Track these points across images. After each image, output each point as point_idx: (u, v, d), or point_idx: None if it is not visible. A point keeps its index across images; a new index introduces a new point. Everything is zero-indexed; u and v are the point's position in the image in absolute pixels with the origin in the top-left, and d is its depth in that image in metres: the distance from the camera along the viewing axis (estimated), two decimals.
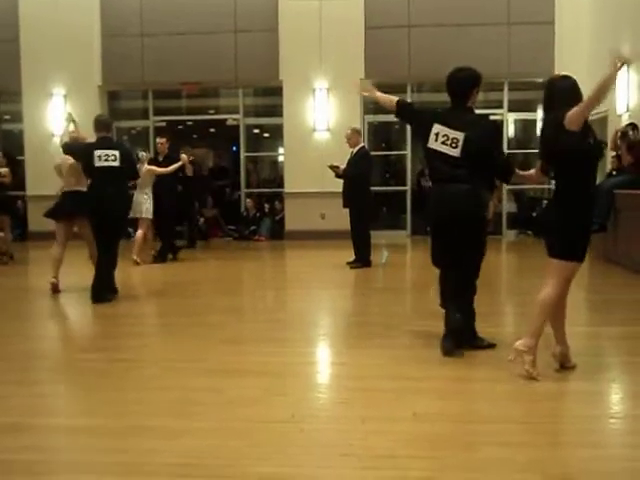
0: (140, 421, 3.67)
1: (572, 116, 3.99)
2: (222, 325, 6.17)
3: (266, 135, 16.67)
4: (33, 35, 14.02)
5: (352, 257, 9.72)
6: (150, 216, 10.23)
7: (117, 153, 7.26)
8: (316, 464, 3.15)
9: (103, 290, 7.20)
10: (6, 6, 14.15)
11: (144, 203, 10.10)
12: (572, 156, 4.08)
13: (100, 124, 7.51)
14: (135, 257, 9.97)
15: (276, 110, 14.37)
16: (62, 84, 14.20)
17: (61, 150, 8.05)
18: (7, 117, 15.79)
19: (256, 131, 16.07)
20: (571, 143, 4.02)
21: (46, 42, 13.90)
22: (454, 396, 4.02)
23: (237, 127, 14.75)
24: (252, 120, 15.19)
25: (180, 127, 15.26)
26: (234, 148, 15.63)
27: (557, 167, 4.25)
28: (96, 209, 7.18)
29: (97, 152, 7.21)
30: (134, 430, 3.55)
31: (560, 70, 13.14)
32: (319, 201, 13.25)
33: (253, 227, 14.33)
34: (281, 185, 14.45)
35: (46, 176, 13.35)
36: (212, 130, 16.68)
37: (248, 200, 14.65)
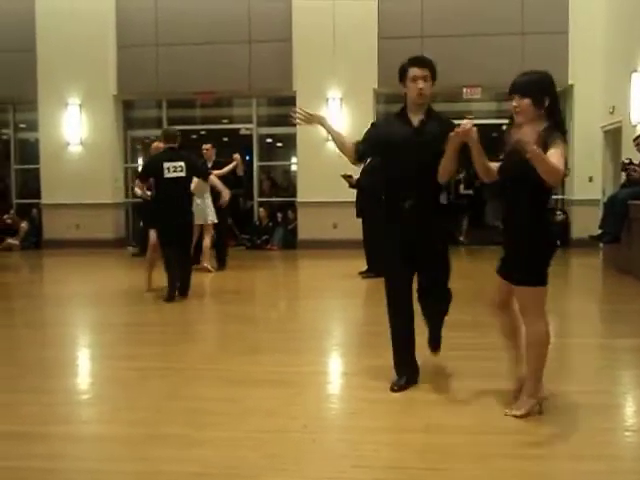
0: (155, 430, 3.69)
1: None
2: (237, 334, 6.19)
3: (279, 144, 16.71)
4: (49, 45, 14.16)
5: (364, 267, 9.72)
6: (215, 220, 10.29)
7: (183, 164, 7.98)
8: (328, 475, 3.15)
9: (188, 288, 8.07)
10: (23, 17, 14.29)
11: (209, 209, 10.15)
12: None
13: (169, 136, 8.22)
14: (207, 265, 10.19)
15: (289, 120, 14.37)
16: (77, 93, 14.32)
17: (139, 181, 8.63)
18: (23, 126, 15.92)
19: (269, 140, 16.12)
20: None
21: (62, 52, 14.04)
22: (466, 407, 4.01)
23: (250, 136, 14.81)
24: (265, 129, 15.25)
25: (194, 136, 15.34)
26: (247, 157, 15.69)
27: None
28: (167, 218, 7.89)
29: (166, 164, 7.92)
30: (149, 439, 3.56)
31: (574, 80, 13.15)
32: (332, 210, 13.25)
33: (266, 236, 14.36)
34: (294, 194, 14.48)
35: (61, 185, 13.57)
36: (225, 139, 16.75)
37: (261, 209, 14.69)
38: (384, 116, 4.50)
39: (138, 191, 8.73)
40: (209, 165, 10.61)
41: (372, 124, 4.60)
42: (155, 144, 9.29)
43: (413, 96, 4.23)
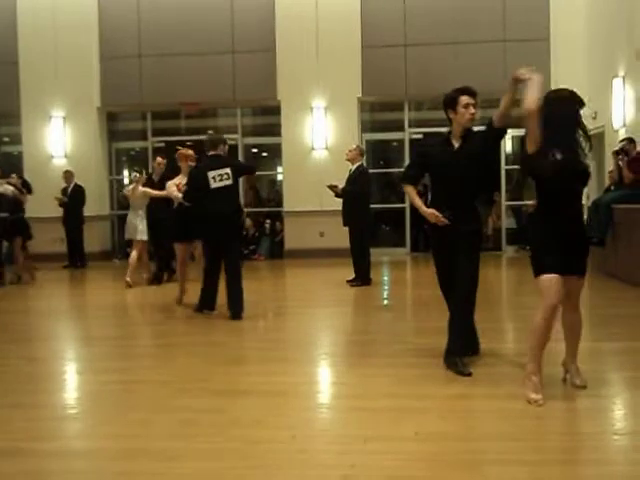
0: (141, 443, 3.65)
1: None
2: (224, 345, 6.16)
3: (265, 154, 16.73)
4: (32, 58, 14.12)
5: (352, 275, 9.72)
6: (145, 238, 10.12)
7: (229, 171, 7.37)
8: None
9: (240, 305, 7.37)
10: (5, 29, 14.25)
11: (138, 225, 10.03)
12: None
13: (210, 143, 7.57)
14: (128, 279, 9.95)
15: (274, 129, 14.44)
16: (61, 106, 14.28)
17: (182, 200, 7.93)
18: (6, 139, 15.86)
19: (254, 150, 16.13)
20: None
21: (45, 65, 14.01)
22: (456, 414, 4.00)
23: (236, 147, 14.79)
24: (251, 140, 15.27)
25: (179, 147, 15.31)
26: None
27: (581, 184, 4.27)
28: (215, 228, 7.30)
29: (211, 173, 7.31)
30: (137, 452, 3.52)
31: (556, 86, 13.19)
32: (318, 219, 13.27)
33: (252, 246, 14.33)
34: (280, 204, 14.47)
35: (45, 198, 13.45)
36: None
37: (247, 219, 14.65)
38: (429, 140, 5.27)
39: (177, 195, 8.10)
40: (155, 180, 10.36)
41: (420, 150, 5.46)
42: (182, 151, 8.72)
43: (463, 121, 4.83)
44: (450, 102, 4.90)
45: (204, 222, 7.38)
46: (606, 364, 5.25)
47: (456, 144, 4.90)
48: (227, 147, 7.71)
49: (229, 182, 7.35)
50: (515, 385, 4.27)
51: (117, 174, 15.49)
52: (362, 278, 9.63)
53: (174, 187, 8.12)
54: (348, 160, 9.80)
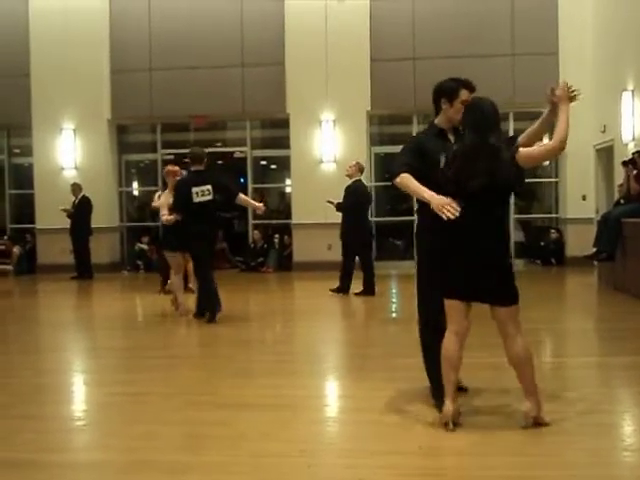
0: (148, 456, 3.65)
1: (534, 156, 3.99)
2: (231, 357, 6.16)
3: (273, 167, 16.77)
4: (43, 70, 14.23)
5: (359, 288, 9.76)
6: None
7: (210, 187, 7.81)
8: None
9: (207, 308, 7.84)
10: (17, 42, 14.38)
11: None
12: (512, 189, 4.02)
13: (195, 158, 8.00)
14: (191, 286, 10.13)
15: (283, 142, 14.48)
16: (72, 118, 14.37)
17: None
18: (17, 151, 15.95)
19: (263, 163, 16.17)
20: (518, 177, 3.93)
21: (56, 77, 14.11)
22: (461, 429, 3.97)
23: (244, 159, 14.85)
24: (259, 152, 15.30)
25: (187, 160, 15.40)
26: (241, 180, 15.73)
27: (494, 200, 3.92)
28: (195, 242, 7.78)
29: (194, 189, 7.78)
30: (142, 465, 3.52)
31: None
32: (326, 232, 13.24)
33: (260, 259, 14.34)
34: (288, 216, 14.49)
35: (55, 209, 13.54)
36: (220, 162, 16.78)
37: (255, 232, 14.68)
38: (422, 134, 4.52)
39: (169, 218, 8.18)
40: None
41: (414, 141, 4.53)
42: (169, 167, 9.05)
43: (457, 117, 4.24)
44: (448, 92, 4.36)
45: (185, 237, 7.85)
46: (615, 379, 5.21)
47: (452, 140, 4.32)
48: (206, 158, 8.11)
49: (209, 197, 7.80)
50: (519, 400, 4.24)
51: (127, 186, 15.57)
52: (342, 290, 9.86)
53: (166, 210, 8.26)
54: (347, 176, 10.07)
